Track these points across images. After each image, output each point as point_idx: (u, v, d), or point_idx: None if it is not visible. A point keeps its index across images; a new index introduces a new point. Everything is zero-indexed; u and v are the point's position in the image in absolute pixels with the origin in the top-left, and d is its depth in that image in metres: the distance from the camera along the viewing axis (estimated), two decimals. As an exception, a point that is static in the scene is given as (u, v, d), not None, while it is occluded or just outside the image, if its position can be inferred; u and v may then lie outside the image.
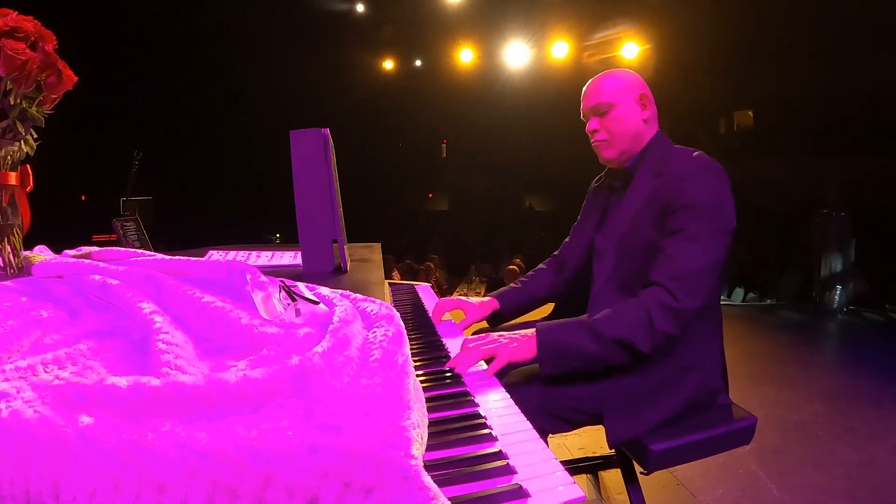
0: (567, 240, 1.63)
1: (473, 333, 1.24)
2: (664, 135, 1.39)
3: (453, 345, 1.14)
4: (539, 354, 1.13)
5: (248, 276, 0.81)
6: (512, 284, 1.64)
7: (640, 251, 1.27)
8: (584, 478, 1.96)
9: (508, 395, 0.86)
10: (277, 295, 0.78)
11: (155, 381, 0.50)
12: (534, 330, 1.16)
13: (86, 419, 0.46)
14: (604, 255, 1.42)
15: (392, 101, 11.71)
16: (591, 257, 1.48)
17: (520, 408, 0.81)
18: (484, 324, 1.57)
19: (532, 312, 1.62)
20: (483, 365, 1.01)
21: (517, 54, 9.06)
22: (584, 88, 1.41)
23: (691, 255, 1.16)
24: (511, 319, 1.60)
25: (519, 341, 1.12)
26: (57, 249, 1.17)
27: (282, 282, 0.82)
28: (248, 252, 1.61)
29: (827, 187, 5.84)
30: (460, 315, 1.48)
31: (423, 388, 0.75)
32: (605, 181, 1.50)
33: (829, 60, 7.67)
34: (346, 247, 1.33)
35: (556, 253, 1.66)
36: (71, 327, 0.71)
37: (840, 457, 2.32)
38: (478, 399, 0.84)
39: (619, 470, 1.56)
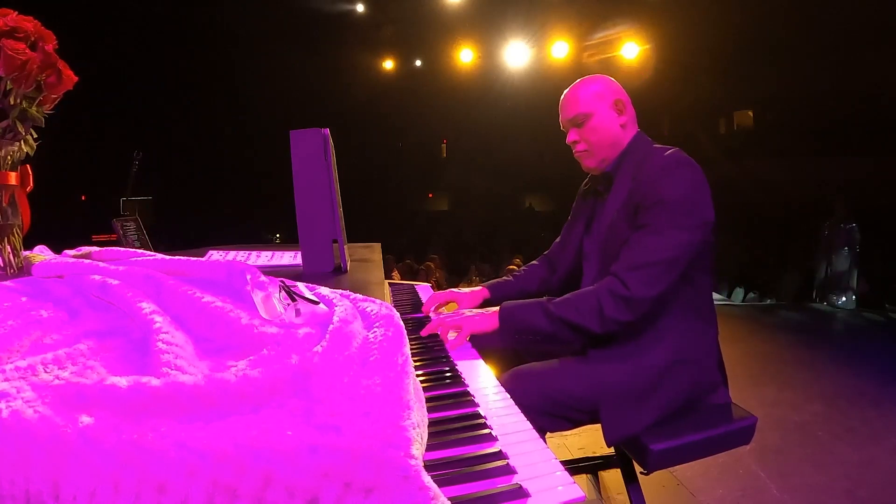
0: (558, 240, 1.65)
1: None
2: (643, 136, 1.41)
3: (453, 345, 1.14)
4: (500, 327, 1.26)
5: (248, 276, 0.81)
6: (504, 277, 1.68)
7: (619, 253, 1.28)
8: (584, 478, 1.96)
9: (508, 395, 0.86)
10: (277, 295, 0.78)
11: (155, 381, 0.50)
12: (498, 307, 1.29)
13: (86, 419, 0.46)
14: (590, 257, 1.47)
15: (392, 101, 11.71)
16: (580, 260, 1.52)
17: (518, 407, 0.81)
18: None
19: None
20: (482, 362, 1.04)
21: (517, 54, 9.05)
22: (561, 100, 1.43)
23: (650, 248, 1.21)
24: None
25: (482, 315, 1.26)
26: (57, 249, 1.17)
27: (282, 282, 0.82)
28: (248, 252, 1.61)
29: (827, 191, 5.84)
30: (454, 307, 1.51)
31: (423, 388, 0.75)
32: (590, 185, 1.52)
33: (829, 60, 7.68)
34: (346, 247, 1.33)
35: (548, 252, 1.68)
36: (71, 327, 0.70)
37: (840, 457, 2.32)
38: (477, 399, 0.84)
39: (619, 470, 1.56)
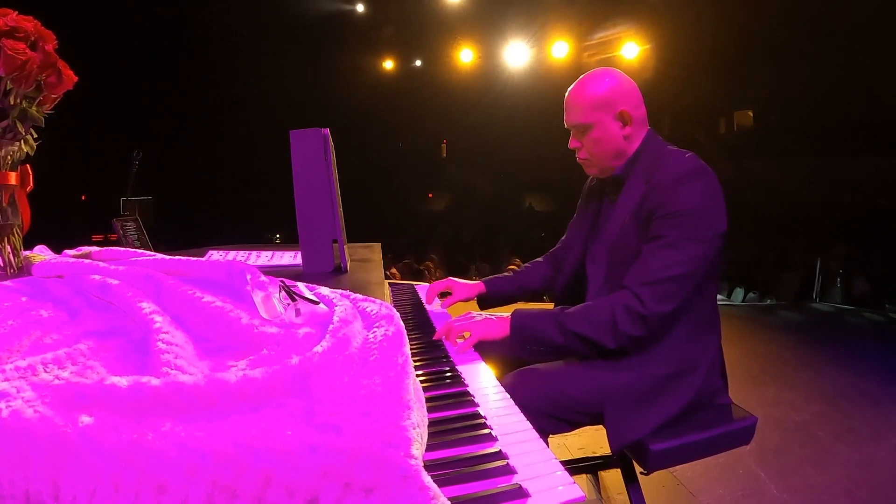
0: (564, 237, 1.63)
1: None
2: (655, 136, 1.36)
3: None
4: (511, 336, 1.23)
5: (248, 276, 0.81)
6: (504, 273, 1.67)
7: (629, 260, 1.26)
8: (584, 478, 1.95)
9: (508, 395, 0.86)
10: (277, 295, 0.78)
11: (155, 381, 0.50)
12: (510, 313, 1.26)
13: (86, 419, 0.46)
14: (597, 260, 1.44)
15: (392, 101, 11.72)
16: (584, 262, 1.49)
17: (519, 408, 0.81)
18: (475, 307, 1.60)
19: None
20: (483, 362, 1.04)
21: (517, 54, 9.07)
22: (566, 97, 1.37)
23: (666, 263, 1.18)
24: (498, 305, 1.62)
25: (492, 321, 1.23)
26: (57, 249, 1.17)
27: (282, 282, 0.82)
28: (248, 252, 1.61)
29: (828, 190, 5.88)
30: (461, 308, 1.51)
31: (423, 388, 0.75)
32: (597, 185, 1.50)
33: (829, 60, 7.68)
34: (346, 247, 1.33)
35: (553, 249, 1.67)
36: (71, 327, 0.70)
37: (840, 457, 2.32)
38: (477, 399, 0.84)
39: (619, 470, 1.56)
